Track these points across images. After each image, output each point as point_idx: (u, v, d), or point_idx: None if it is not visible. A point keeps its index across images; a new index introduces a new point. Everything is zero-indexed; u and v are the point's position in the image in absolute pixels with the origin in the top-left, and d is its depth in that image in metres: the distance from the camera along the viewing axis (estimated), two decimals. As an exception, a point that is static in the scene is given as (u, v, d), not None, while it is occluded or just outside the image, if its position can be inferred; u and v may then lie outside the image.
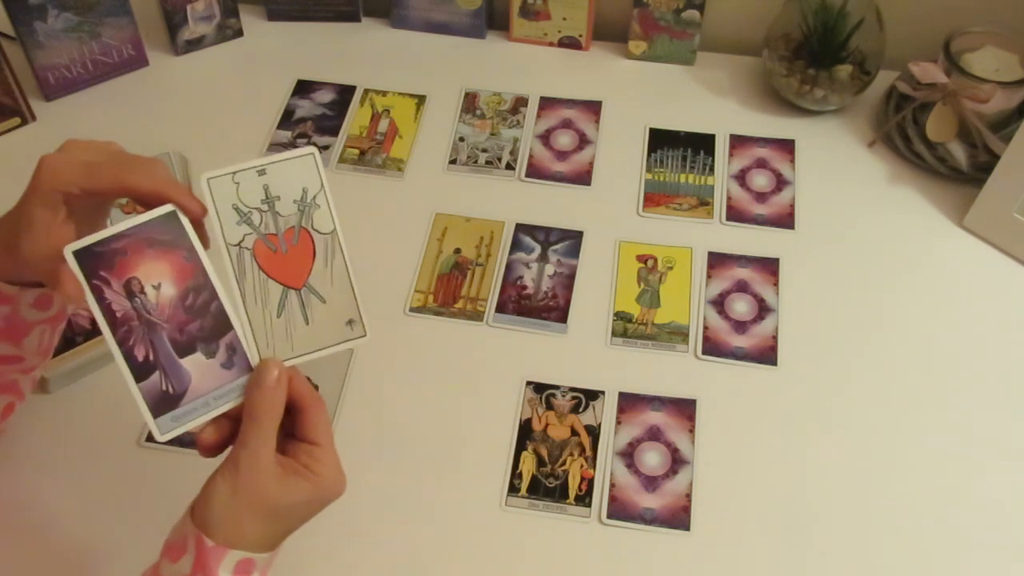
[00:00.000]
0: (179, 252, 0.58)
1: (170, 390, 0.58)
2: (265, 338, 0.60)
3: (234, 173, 0.59)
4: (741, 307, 0.93)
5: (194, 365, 0.58)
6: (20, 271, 0.63)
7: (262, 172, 0.59)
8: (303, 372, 0.62)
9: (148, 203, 0.58)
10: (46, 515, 0.78)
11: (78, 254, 0.56)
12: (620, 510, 0.79)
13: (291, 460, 0.59)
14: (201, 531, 0.57)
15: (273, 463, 0.58)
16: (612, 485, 0.81)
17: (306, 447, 0.60)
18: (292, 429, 0.61)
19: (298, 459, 0.60)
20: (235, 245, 0.59)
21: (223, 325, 0.59)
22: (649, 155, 1.06)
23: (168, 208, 0.58)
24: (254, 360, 0.60)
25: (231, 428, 0.60)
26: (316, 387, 0.86)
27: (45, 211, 0.58)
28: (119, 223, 0.57)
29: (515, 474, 0.81)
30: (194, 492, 0.59)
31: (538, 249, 0.97)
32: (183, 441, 0.60)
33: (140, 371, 0.57)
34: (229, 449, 0.60)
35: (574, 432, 0.84)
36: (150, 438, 0.76)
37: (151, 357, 0.57)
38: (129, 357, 0.57)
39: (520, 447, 0.83)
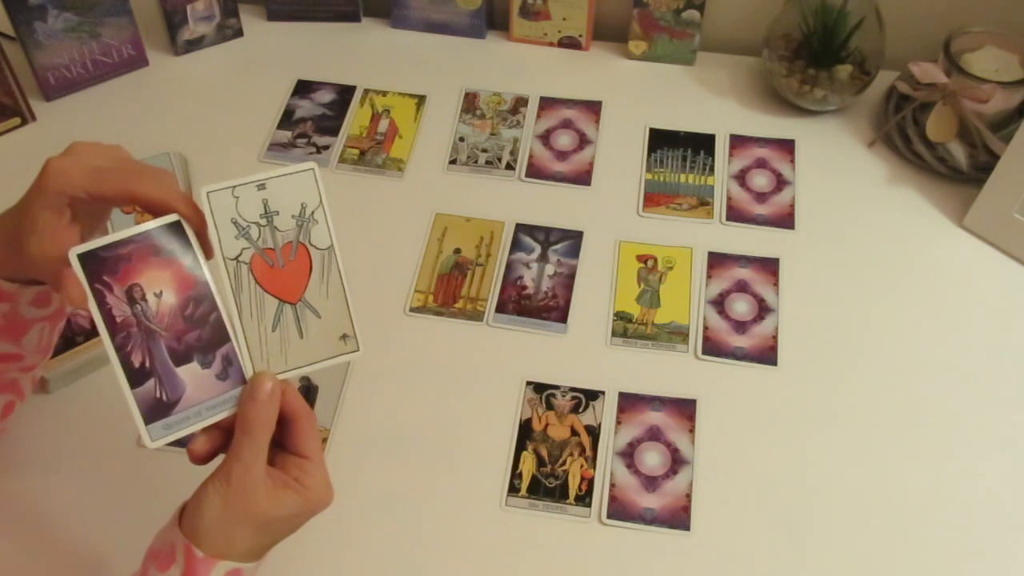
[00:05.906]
0: (182, 262, 0.58)
1: (164, 398, 0.58)
2: (260, 351, 0.60)
3: (233, 187, 0.59)
4: (741, 307, 0.93)
5: (189, 374, 0.58)
6: (19, 269, 0.63)
7: (262, 187, 0.59)
8: (302, 373, 0.62)
9: (154, 212, 0.58)
10: (46, 515, 0.78)
11: (82, 258, 0.56)
12: (620, 510, 0.79)
13: (281, 473, 0.60)
14: (191, 541, 0.57)
15: (264, 476, 0.58)
16: (612, 485, 0.81)
17: (296, 460, 0.60)
18: (281, 440, 0.61)
19: (288, 472, 0.60)
20: (233, 259, 0.59)
21: (221, 336, 0.59)
22: (649, 155, 1.06)
23: (174, 217, 0.58)
24: (248, 372, 0.60)
25: (222, 438, 0.60)
26: (316, 387, 0.86)
27: (50, 213, 0.58)
28: (125, 229, 0.57)
29: (515, 474, 0.81)
30: (192, 493, 0.59)
31: (538, 249, 0.97)
32: (183, 442, 0.60)
33: (135, 377, 0.57)
34: (220, 457, 0.60)
35: (574, 432, 0.84)
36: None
37: (147, 364, 0.57)
38: (125, 363, 0.57)
39: (520, 447, 0.83)
